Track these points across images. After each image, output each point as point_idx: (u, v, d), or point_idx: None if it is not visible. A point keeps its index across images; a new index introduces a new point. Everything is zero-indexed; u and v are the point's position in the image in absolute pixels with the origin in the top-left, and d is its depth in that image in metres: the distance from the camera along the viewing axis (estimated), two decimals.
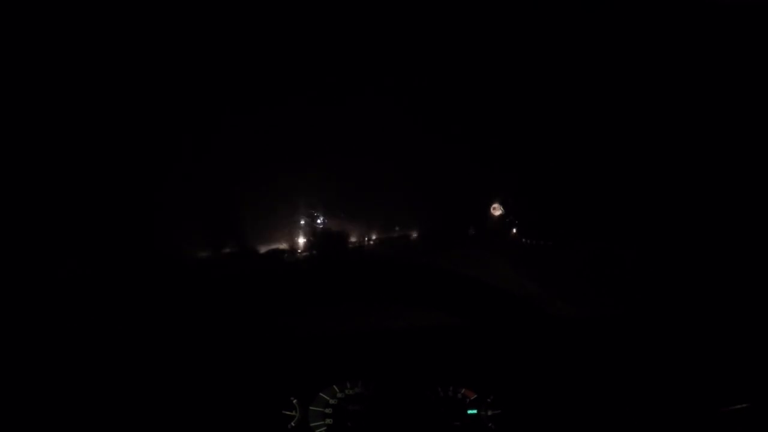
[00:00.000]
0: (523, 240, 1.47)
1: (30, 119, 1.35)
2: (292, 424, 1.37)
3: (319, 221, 1.55)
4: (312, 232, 1.55)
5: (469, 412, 1.39)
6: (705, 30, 1.37)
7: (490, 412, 1.39)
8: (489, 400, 1.40)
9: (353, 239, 1.58)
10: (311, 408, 1.39)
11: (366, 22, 1.38)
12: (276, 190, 1.55)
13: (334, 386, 1.42)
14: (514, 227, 1.52)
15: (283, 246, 1.57)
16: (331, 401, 1.40)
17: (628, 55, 1.46)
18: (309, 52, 1.43)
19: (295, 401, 1.39)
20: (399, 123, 1.57)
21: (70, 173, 1.40)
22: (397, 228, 1.69)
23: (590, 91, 1.52)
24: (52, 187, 1.39)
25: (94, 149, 1.41)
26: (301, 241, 1.56)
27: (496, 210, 1.49)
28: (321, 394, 1.41)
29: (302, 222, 1.55)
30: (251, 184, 1.53)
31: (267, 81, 1.45)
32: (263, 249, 1.55)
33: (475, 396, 1.41)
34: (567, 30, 1.42)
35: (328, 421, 1.38)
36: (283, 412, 1.38)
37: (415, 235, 1.69)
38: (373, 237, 1.63)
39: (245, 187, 1.53)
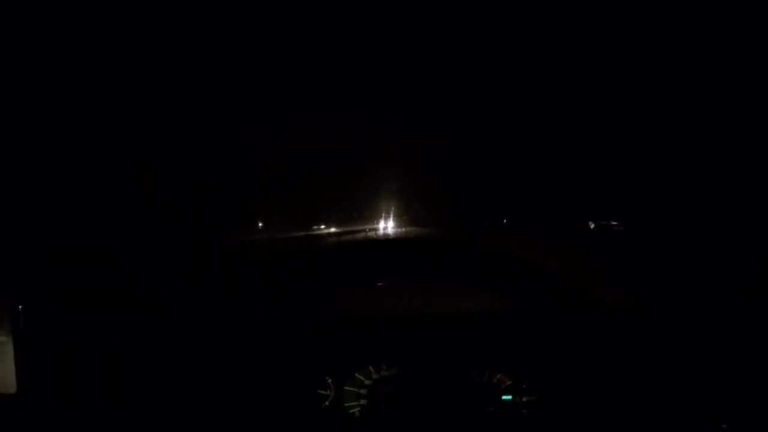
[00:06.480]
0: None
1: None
2: (327, 403, 1.37)
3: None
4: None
5: (504, 397, 1.39)
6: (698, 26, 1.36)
7: (525, 399, 1.38)
8: (524, 386, 1.39)
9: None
10: (346, 388, 1.39)
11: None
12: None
13: (370, 367, 1.42)
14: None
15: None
16: (367, 382, 1.40)
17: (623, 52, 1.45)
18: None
19: (330, 381, 1.40)
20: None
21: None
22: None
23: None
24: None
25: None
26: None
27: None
28: (357, 374, 1.41)
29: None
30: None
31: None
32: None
33: (510, 382, 1.41)
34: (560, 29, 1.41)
35: (363, 401, 1.38)
36: (318, 391, 1.38)
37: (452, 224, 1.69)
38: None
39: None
